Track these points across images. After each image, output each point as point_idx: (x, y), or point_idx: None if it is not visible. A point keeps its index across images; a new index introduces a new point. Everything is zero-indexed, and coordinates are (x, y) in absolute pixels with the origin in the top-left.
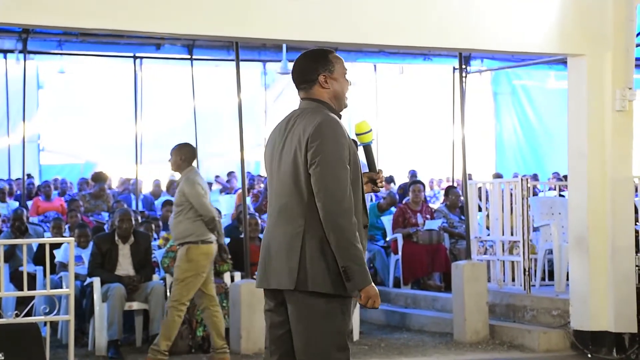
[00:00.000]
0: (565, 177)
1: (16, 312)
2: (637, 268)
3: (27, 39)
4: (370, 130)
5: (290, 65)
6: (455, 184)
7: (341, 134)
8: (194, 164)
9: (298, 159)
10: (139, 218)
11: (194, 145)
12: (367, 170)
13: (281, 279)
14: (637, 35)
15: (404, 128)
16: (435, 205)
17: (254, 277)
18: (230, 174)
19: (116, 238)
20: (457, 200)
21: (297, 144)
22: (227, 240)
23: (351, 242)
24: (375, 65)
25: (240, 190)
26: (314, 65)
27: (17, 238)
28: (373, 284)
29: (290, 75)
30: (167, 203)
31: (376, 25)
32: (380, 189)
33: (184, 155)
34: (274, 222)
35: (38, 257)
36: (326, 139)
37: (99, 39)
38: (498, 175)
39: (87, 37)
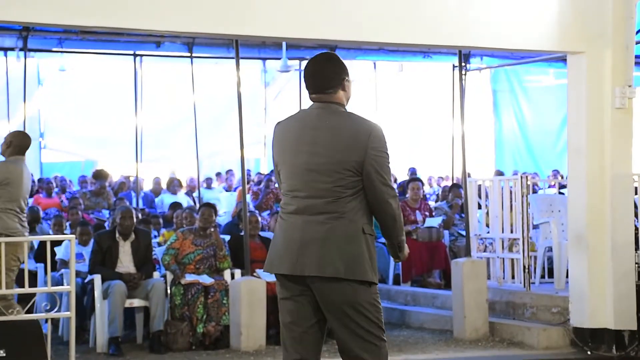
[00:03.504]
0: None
1: (17, 309)
2: (636, 265)
3: (28, 36)
4: None
5: (290, 63)
6: (455, 181)
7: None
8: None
9: (345, 160)
10: (139, 215)
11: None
12: None
13: (326, 266)
14: (637, 32)
15: (403, 126)
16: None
17: (254, 274)
18: (228, 172)
19: (117, 235)
20: (458, 202)
21: (344, 147)
22: (227, 237)
23: (402, 222)
24: (374, 63)
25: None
26: (338, 70)
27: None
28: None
29: (289, 73)
30: (175, 205)
31: (375, 22)
32: None
33: (15, 143)
34: (310, 215)
35: (39, 254)
36: (383, 145)
37: (99, 37)
38: (499, 173)
39: (87, 34)
